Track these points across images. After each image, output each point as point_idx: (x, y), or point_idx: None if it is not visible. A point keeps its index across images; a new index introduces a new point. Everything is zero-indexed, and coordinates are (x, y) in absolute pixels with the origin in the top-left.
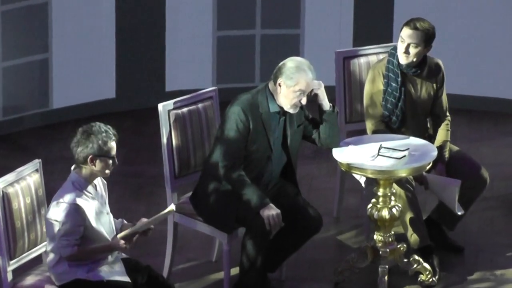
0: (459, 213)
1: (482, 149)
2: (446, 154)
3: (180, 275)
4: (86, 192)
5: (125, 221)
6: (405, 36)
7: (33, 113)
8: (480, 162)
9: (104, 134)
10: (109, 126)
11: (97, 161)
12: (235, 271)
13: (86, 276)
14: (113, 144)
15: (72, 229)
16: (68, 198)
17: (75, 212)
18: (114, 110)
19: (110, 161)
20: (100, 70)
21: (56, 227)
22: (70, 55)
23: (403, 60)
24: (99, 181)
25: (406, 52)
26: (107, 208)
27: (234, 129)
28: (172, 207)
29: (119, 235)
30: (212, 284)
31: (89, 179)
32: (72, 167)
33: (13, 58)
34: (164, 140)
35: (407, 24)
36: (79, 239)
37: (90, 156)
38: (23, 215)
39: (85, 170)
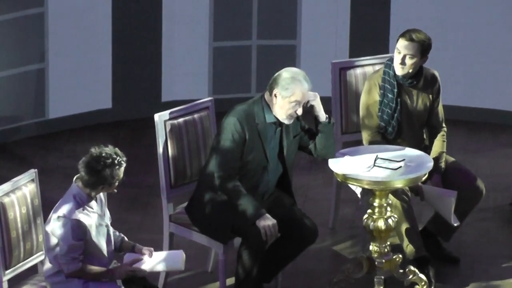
0: (455, 225)
1: (479, 160)
2: (442, 165)
3: (176, 286)
4: (87, 207)
5: (125, 238)
6: (401, 47)
7: (29, 123)
8: (477, 173)
9: (116, 167)
10: (118, 153)
11: (105, 187)
12: (230, 281)
13: (82, 287)
14: (122, 170)
15: (74, 245)
16: (69, 213)
17: (77, 228)
18: (110, 120)
19: (117, 183)
20: (96, 80)
21: (56, 240)
22: (66, 65)
23: (399, 71)
24: (100, 194)
25: (402, 63)
26: (106, 220)
27: (230, 140)
28: (181, 266)
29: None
30: None
31: (92, 195)
32: (74, 179)
33: (9, 68)
34: (160, 150)
35: (403, 35)
36: (82, 254)
37: (98, 186)
38: (19, 225)
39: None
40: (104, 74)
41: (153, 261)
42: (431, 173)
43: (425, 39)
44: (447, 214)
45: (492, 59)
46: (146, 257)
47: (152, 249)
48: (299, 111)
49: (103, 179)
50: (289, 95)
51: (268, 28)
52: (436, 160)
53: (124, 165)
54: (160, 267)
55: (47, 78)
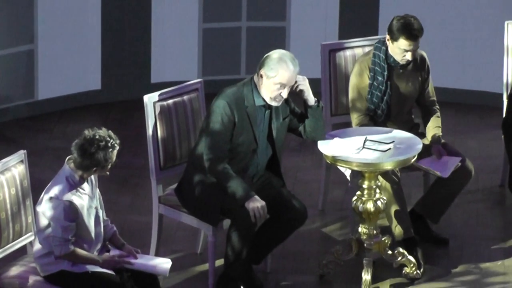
0: (445, 176)
1: (468, 142)
2: (440, 133)
3: None
4: (79, 189)
5: (117, 233)
6: (407, 46)
7: (19, 104)
8: (465, 155)
9: (109, 150)
10: (112, 135)
11: (98, 169)
12: (220, 263)
13: (71, 268)
14: (115, 153)
15: (66, 227)
16: (61, 194)
17: (69, 209)
18: (99, 102)
19: (110, 166)
20: (85, 61)
21: (46, 221)
22: (55, 46)
23: (403, 61)
24: (91, 176)
25: (409, 57)
26: (96, 202)
27: (219, 123)
28: (166, 273)
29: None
30: (197, 276)
31: (84, 177)
32: (66, 160)
33: None
34: (150, 131)
35: (406, 37)
36: (74, 237)
37: (91, 168)
38: (8, 206)
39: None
40: (94, 55)
41: (141, 261)
42: (430, 145)
43: (421, 26)
44: (443, 170)
45: (481, 41)
46: (132, 259)
47: (139, 250)
48: (284, 94)
49: (96, 162)
50: (274, 76)
51: (257, 9)
52: (433, 132)
53: (117, 148)
54: (146, 268)
55: (37, 59)
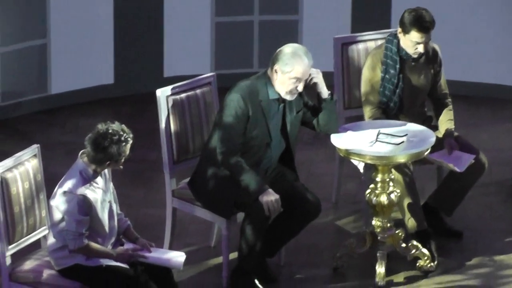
0: (460, 171)
1: (480, 135)
2: (452, 126)
3: None
4: (93, 183)
5: (131, 226)
6: (419, 38)
7: (32, 99)
8: (479, 148)
9: (123, 144)
10: (125, 129)
11: (111, 163)
12: (233, 256)
13: (85, 262)
14: (128, 147)
15: (80, 221)
16: (75, 188)
17: (83, 203)
18: (112, 96)
19: (123, 160)
20: (98, 55)
21: (60, 215)
22: (68, 40)
23: (415, 54)
24: (105, 170)
25: (422, 49)
26: (109, 196)
27: (233, 116)
28: (180, 266)
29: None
30: (210, 269)
31: (98, 171)
32: (80, 154)
33: (11, 44)
34: (163, 125)
35: (418, 28)
36: (88, 230)
37: (104, 162)
38: (22, 200)
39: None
40: (106, 49)
41: (155, 254)
42: (443, 138)
43: (433, 18)
44: (458, 164)
45: (493, 34)
46: (146, 252)
47: (153, 244)
48: (300, 88)
49: (110, 156)
50: (289, 71)
51: (270, 3)
52: (446, 125)
53: (130, 141)
54: (161, 262)
55: (49, 54)
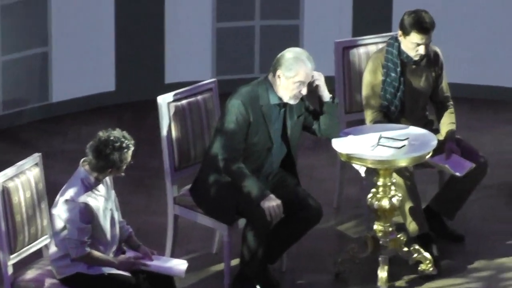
0: (460, 175)
1: (482, 137)
2: (454, 129)
3: None
4: (95, 191)
5: (133, 233)
6: (419, 40)
7: (33, 107)
8: (480, 150)
9: (124, 151)
10: (126, 136)
11: (113, 170)
12: (235, 262)
13: (87, 271)
14: (130, 154)
15: (82, 229)
16: (77, 196)
17: (85, 211)
18: (113, 103)
19: (125, 167)
20: (99, 63)
21: (62, 224)
22: (69, 48)
23: (417, 57)
24: (106, 177)
25: (422, 51)
26: (111, 204)
27: (234, 122)
28: (182, 274)
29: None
30: (212, 276)
31: (99, 179)
32: (81, 162)
33: (12, 52)
34: (164, 132)
35: (418, 30)
36: (90, 239)
37: (106, 170)
38: (23, 210)
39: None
40: (108, 56)
41: (157, 262)
42: (444, 141)
43: (433, 19)
44: (457, 168)
45: (496, 36)
46: (148, 260)
47: (155, 252)
48: (304, 91)
49: (112, 163)
50: (293, 75)
51: (271, 8)
52: (448, 128)
53: (132, 148)
54: (162, 270)
55: (51, 62)
